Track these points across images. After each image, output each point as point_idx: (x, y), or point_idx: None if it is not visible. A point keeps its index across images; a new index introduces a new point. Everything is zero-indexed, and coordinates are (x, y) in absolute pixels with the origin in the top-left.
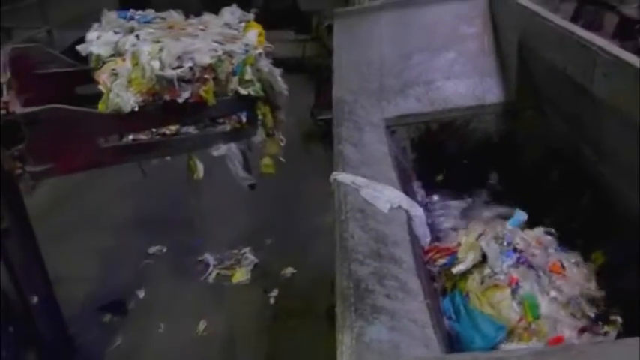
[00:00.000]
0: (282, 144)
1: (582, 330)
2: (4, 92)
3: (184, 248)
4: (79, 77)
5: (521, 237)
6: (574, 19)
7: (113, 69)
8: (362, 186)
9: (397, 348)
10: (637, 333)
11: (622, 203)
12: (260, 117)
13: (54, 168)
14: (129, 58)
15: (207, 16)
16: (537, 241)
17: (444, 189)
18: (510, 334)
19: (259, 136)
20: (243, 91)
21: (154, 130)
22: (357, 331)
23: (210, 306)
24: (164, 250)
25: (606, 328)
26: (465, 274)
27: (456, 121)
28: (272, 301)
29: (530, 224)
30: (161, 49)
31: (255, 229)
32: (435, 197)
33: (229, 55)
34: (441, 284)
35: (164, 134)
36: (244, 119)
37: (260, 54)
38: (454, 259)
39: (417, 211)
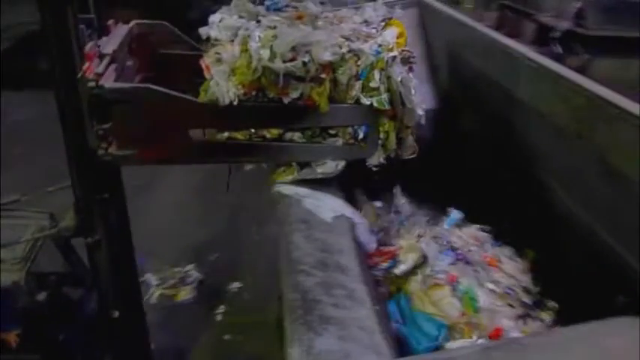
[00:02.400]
0: None
1: (520, 318)
2: (102, 65)
3: None
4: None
5: (458, 235)
6: (497, 27)
7: (217, 53)
8: (305, 196)
9: (348, 357)
10: (571, 320)
11: (551, 201)
12: (382, 135)
13: (137, 155)
14: (237, 43)
15: (345, 11)
16: (473, 237)
17: (384, 194)
18: (453, 330)
19: (377, 157)
20: (365, 101)
21: (252, 130)
22: (306, 344)
23: (154, 328)
24: None
25: (542, 314)
26: (407, 276)
27: None
28: (219, 317)
29: (466, 221)
30: (275, 37)
31: (199, 244)
32: (378, 203)
33: (356, 54)
34: (387, 288)
35: (264, 137)
36: (361, 135)
37: (394, 58)
38: (396, 262)
39: (360, 218)
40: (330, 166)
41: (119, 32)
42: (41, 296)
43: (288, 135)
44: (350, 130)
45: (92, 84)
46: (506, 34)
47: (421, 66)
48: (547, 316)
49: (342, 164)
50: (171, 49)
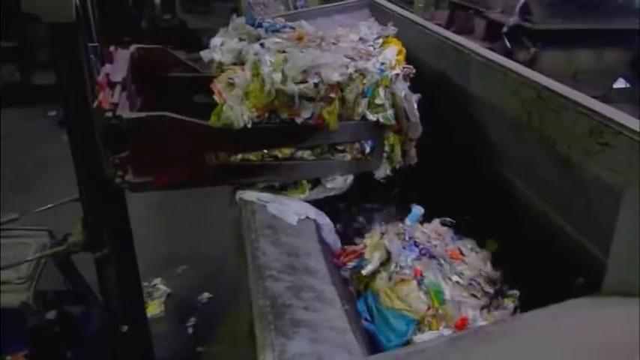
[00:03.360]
0: None
1: (484, 307)
2: (116, 94)
3: None
4: (200, 84)
5: (421, 231)
6: (448, 25)
7: (230, 78)
8: (268, 201)
9: (320, 359)
10: (534, 304)
11: (509, 191)
12: (387, 149)
13: (154, 181)
14: (248, 68)
15: (340, 30)
16: (436, 232)
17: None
18: (421, 323)
19: (383, 170)
20: (371, 117)
21: (265, 151)
22: (278, 349)
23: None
24: None
25: (505, 301)
26: (374, 274)
27: None
28: (190, 330)
29: (428, 217)
30: (285, 60)
31: (164, 257)
32: (341, 204)
33: (362, 73)
34: (355, 287)
35: (276, 157)
36: (368, 149)
37: (397, 75)
38: (363, 261)
39: (325, 219)
40: (340, 181)
41: (123, 58)
42: (50, 315)
43: (299, 153)
44: (357, 145)
45: (109, 114)
46: (458, 31)
47: None
48: (510, 303)
49: (350, 178)
50: (170, 71)
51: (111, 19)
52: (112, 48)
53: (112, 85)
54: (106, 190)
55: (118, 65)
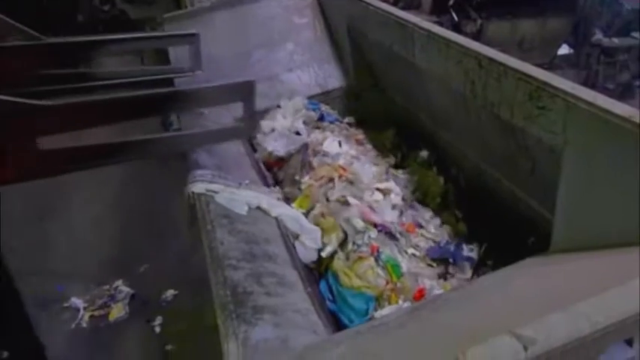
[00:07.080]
0: None
1: (441, 277)
2: None
3: (43, 298)
4: (45, 54)
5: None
6: (396, 1)
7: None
8: (217, 191)
9: (285, 342)
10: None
11: (460, 160)
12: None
13: None
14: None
15: None
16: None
17: None
18: (380, 298)
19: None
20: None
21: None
22: (242, 337)
23: (90, 353)
24: None
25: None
26: (332, 256)
27: None
28: (158, 329)
29: None
30: None
31: (125, 257)
32: None
33: None
34: (317, 269)
35: None
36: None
37: None
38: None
39: (278, 209)
40: None
41: None
42: None
43: None
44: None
45: None
46: (406, 6)
47: (323, 45)
48: (467, 269)
49: None
50: (6, 40)
51: (44, 12)
52: None
53: None
54: None
55: None
